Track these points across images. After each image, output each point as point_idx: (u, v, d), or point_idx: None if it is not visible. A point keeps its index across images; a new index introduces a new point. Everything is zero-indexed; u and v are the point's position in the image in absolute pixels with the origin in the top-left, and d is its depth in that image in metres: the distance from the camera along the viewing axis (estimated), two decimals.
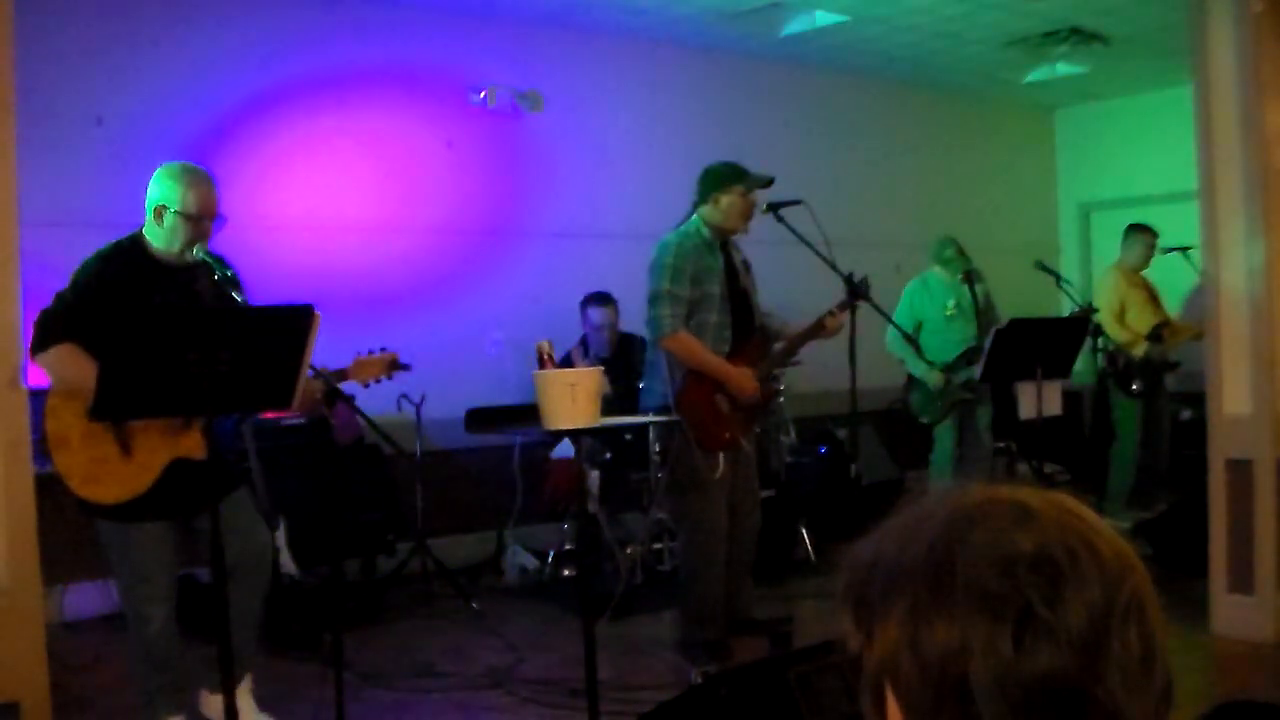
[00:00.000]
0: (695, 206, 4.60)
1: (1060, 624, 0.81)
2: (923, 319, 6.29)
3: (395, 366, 3.81)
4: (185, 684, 3.68)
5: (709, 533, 4.50)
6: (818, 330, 4.65)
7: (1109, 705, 0.81)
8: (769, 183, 4.57)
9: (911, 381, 6.29)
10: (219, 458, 3.48)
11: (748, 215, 4.56)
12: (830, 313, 4.63)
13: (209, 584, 3.65)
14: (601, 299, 6.34)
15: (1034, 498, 0.88)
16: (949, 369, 6.07)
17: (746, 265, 4.71)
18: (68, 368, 3.37)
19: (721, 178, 4.53)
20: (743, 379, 4.45)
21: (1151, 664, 0.84)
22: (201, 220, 3.55)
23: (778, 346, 4.74)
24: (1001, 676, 0.80)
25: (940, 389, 6.14)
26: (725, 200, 4.51)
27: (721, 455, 4.46)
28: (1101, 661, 0.81)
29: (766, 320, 4.75)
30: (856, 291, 4.59)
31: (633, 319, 5.91)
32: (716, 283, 4.47)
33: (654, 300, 4.45)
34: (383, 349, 3.79)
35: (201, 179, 3.60)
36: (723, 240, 4.59)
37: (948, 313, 6.24)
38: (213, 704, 3.71)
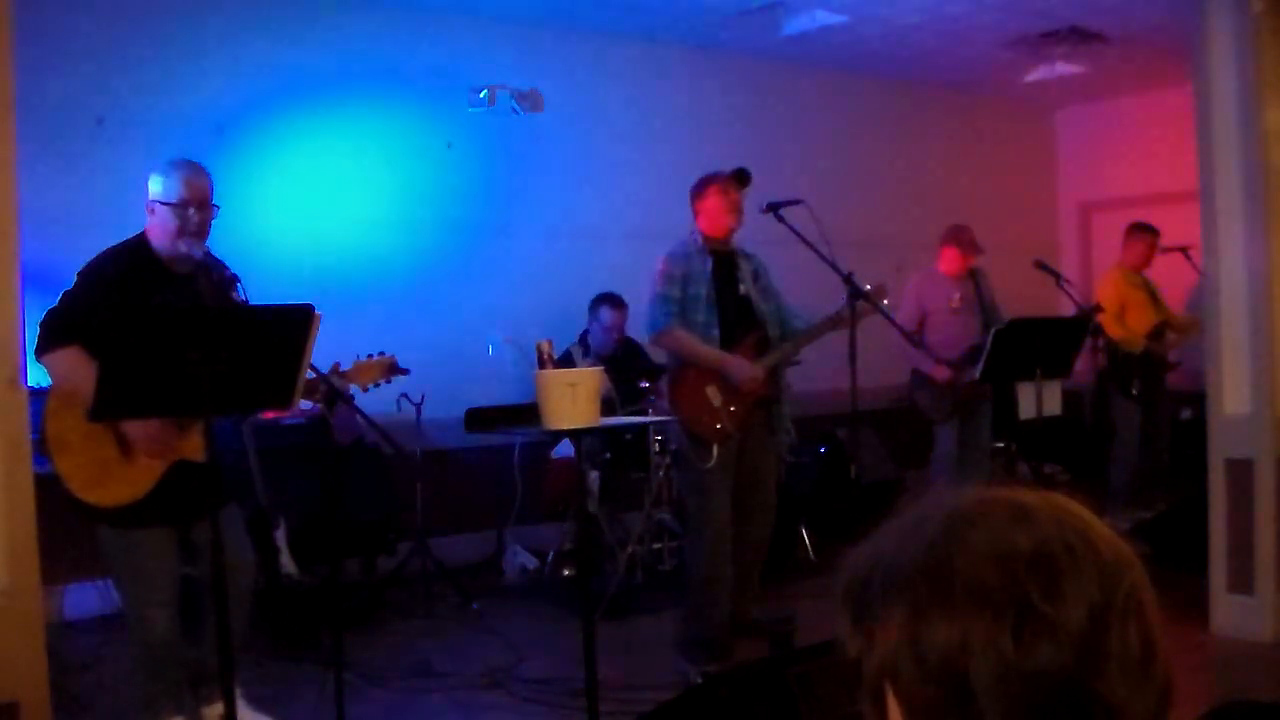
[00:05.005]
0: (693, 220, 4.78)
1: (1059, 620, 0.81)
2: (927, 312, 6.26)
3: (394, 370, 3.81)
4: (186, 684, 3.67)
5: (713, 532, 4.57)
6: (832, 326, 4.69)
7: (1109, 701, 0.81)
8: (743, 177, 4.64)
9: (918, 379, 6.25)
10: (217, 466, 3.47)
11: (732, 210, 4.66)
12: (840, 315, 4.68)
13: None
14: (614, 300, 6.35)
15: (1031, 497, 0.88)
16: (957, 365, 6.03)
17: (757, 274, 4.77)
18: (71, 372, 3.36)
19: (697, 185, 4.72)
20: (739, 363, 4.56)
21: (1151, 661, 0.84)
22: (189, 207, 3.54)
23: (789, 343, 4.77)
24: (1002, 673, 0.81)
25: (950, 386, 6.08)
26: (707, 205, 4.67)
27: (715, 447, 4.50)
28: (1101, 657, 0.81)
29: (794, 323, 4.80)
30: (859, 293, 4.61)
31: (635, 321, 5.92)
32: (703, 285, 4.62)
33: (649, 304, 4.70)
34: (381, 353, 3.78)
35: (185, 167, 3.60)
36: (723, 249, 4.70)
37: (952, 305, 6.21)
38: None
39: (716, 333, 4.61)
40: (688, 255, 4.65)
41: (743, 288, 4.72)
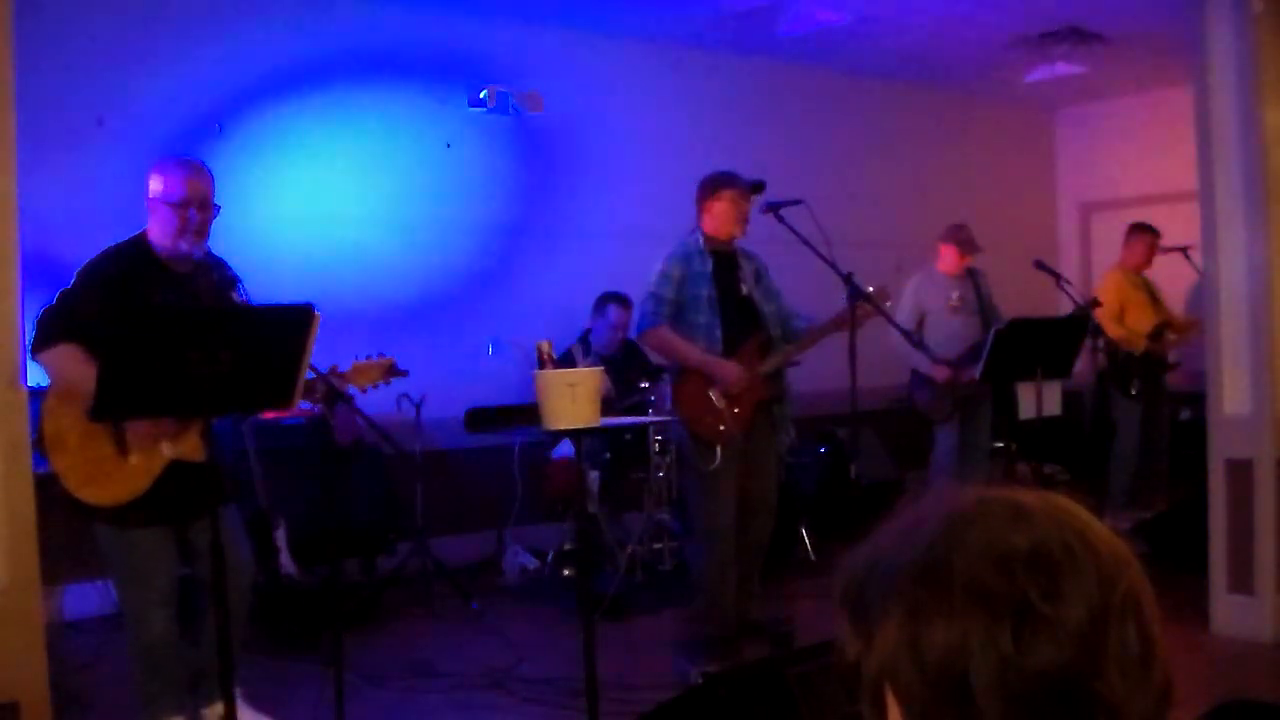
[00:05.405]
0: (698, 217, 4.73)
1: (1059, 618, 0.81)
2: (926, 312, 6.26)
3: (392, 372, 3.80)
4: (185, 684, 3.67)
5: (718, 534, 4.54)
6: (835, 328, 4.68)
7: (1109, 701, 0.81)
8: (759, 187, 4.62)
9: (918, 379, 6.25)
10: (216, 466, 3.47)
11: (741, 220, 4.64)
12: (841, 318, 4.66)
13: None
14: (622, 299, 6.33)
15: (1030, 497, 0.88)
16: (956, 365, 6.03)
17: (759, 275, 4.75)
18: (67, 369, 3.36)
19: (711, 185, 4.66)
20: (723, 367, 4.52)
21: (1150, 660, 0.84)
22: (189, 207, 3.52)
23: (793, 345, 4.75)
24: (1002, 673, 0.81)
25: (949, 385, 6.07)
26: (717, 207, 4.62)
27: (719, 449, 4.49)
28: (1101, 656, 0.81)
29: (795, 323, 4.78)
30: (859, 293, 4.60)
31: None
32: (704, 286, 4.58)
33: (640, 302, 4.70)
34: (380, 354, 3.78)
35: (185, 166, 3.59)
36: (725, 250, 4.67)
37: (951, 304, 6.21)
38: None
39: (719, 334, 4.57)
40: (688, 256, 4.61)
41: (744, 288, 4.68)
